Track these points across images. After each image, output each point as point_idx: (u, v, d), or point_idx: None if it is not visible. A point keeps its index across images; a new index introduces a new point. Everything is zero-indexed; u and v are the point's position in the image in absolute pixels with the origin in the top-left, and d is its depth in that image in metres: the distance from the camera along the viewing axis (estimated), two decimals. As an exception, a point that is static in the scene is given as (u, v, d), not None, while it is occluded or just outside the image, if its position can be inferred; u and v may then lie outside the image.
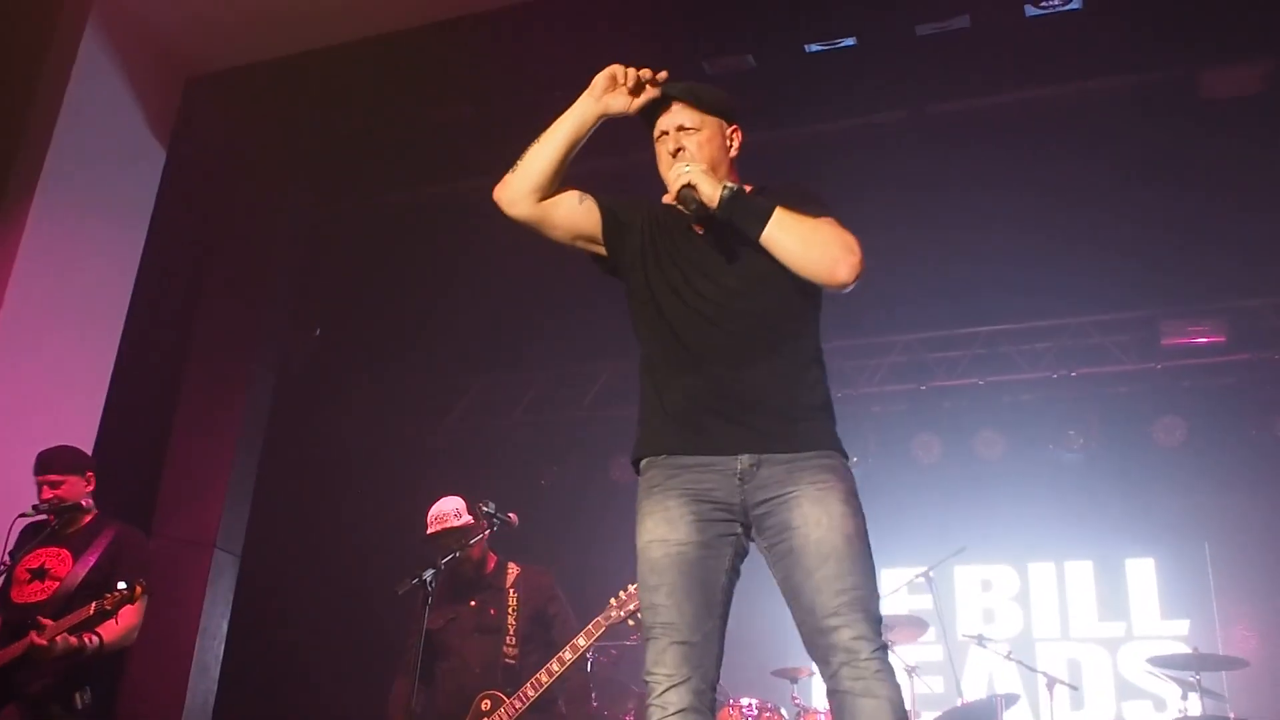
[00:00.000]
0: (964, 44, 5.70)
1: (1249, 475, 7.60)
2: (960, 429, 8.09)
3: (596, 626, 4.63)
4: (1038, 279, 6.94)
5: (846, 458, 2.64)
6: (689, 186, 2.64)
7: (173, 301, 6.58)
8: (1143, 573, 8.13)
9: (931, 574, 6.47)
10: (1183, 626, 7.79)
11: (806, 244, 2.60)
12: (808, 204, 2.69)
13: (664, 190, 2.75)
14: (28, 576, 4.32)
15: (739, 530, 2.60)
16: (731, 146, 2.82)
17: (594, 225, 2.80)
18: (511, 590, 4.93)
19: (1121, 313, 7.76)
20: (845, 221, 2.68)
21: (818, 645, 2.45)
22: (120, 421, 5.75)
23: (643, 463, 2.69)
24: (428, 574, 4.20)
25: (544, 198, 2.74)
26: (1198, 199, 6.29)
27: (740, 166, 2.86)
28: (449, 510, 4.90)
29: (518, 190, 2.73)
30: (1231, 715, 5.67)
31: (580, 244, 2.84)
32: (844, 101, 6.40)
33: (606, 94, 2.71)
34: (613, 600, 4.70)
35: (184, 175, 6.26)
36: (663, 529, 2.55)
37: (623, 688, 5.95)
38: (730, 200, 2.63)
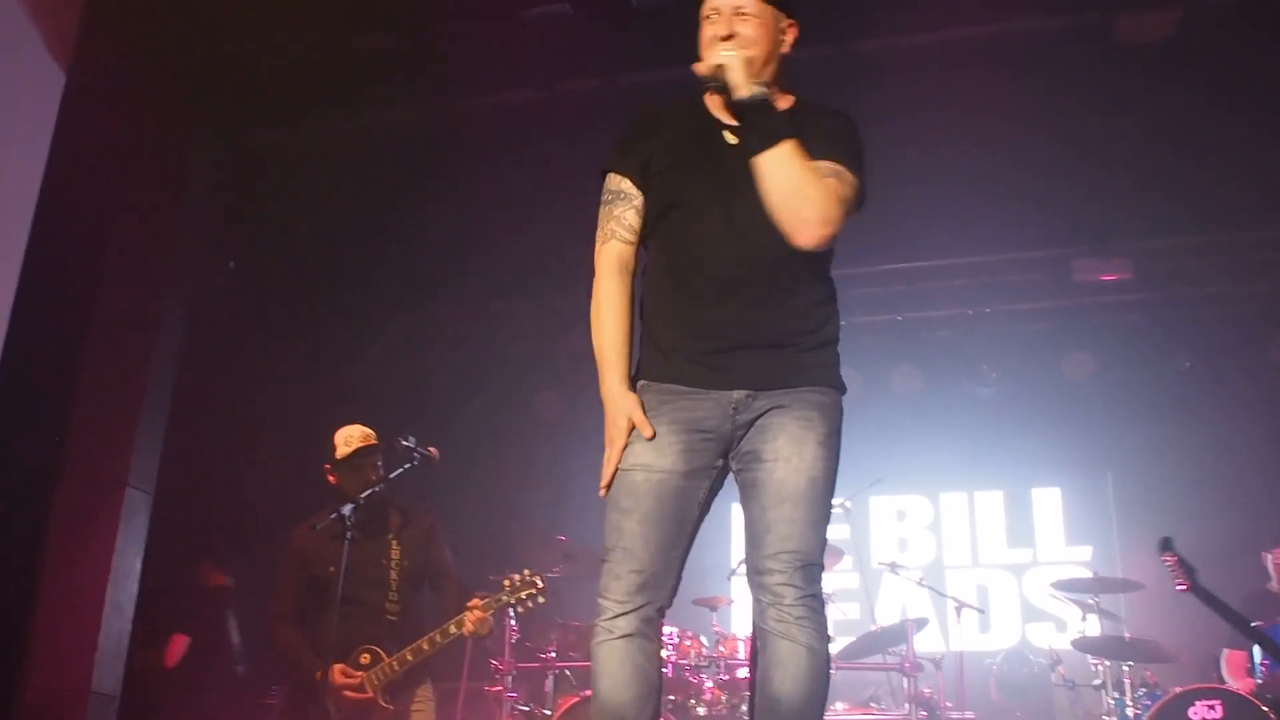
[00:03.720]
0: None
1: (1152, 409, 7.89)
2: (879, 364, 8.22)
3: (486, 607, 4.43)
4: (955, 217, 7.03)
5: (843, 391, 2.62)
6: (720, 68, 2.48)
7: (78, 234, 6.32)
8: (1049, 502, 8.43)
9: (849, 504, 6.62)
10: (1085, 552, 8.11)
11: (792, 190, 2.45)
12: (829, 145, 2.55)
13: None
14: None
15: (720, 463, 2.57)
16: (784, 42, 2.64)
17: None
18: (394, 541, 4.69)
19: (1036, 251, 7.91)
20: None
21: (753, 580, 2.50)
22: (25, 360, 5.55)
23: (639, 384, 2.60)
24: (346, 509, 4.18)
25: (631, 266, 2.66)
26: (1110, 142, 6.41)
27: None
28: (365, 431, 4.74)
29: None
30: (1127, 635, 5.91)
31: None
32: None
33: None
34: (505, 583, 4.53)
35: (86, 101, 5.98)
36: (649, 455, 2.50)
37: (545, 619, 6.00)
38: (752, 105, 2.47)
